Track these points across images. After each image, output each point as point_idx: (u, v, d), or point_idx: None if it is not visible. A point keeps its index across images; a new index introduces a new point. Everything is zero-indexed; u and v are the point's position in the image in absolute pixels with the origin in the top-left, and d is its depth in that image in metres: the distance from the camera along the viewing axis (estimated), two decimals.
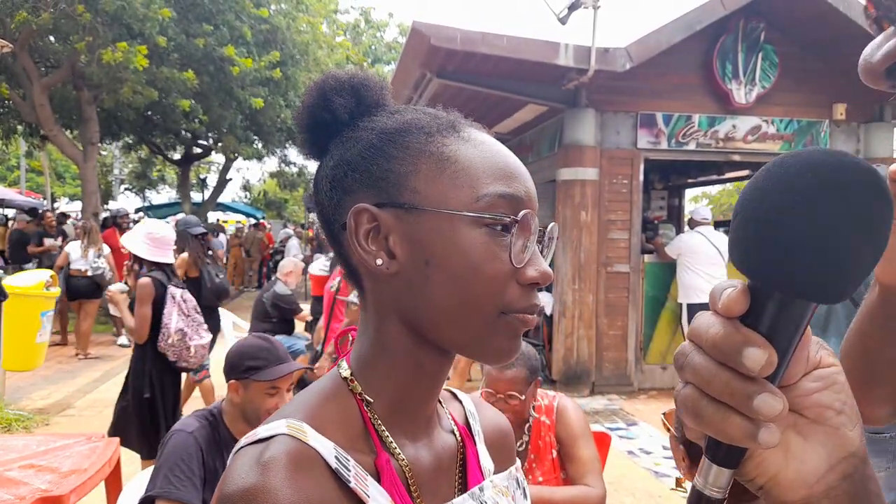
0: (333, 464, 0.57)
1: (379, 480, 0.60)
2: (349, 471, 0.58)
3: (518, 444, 1.97)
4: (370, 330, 0.65)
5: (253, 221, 21.46)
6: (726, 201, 21.03)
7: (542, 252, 0.65)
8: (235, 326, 6.53)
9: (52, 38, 11.24)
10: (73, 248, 8.12)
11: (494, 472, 0.73)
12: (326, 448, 0.58)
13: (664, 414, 1.42)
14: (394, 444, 0.63)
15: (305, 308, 6.37)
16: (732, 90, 6.44)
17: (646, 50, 5.88)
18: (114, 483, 2.91)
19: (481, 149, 0.62)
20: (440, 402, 0.73)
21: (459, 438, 0.71)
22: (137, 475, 2.32)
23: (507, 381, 1.92)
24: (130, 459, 3.13)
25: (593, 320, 6.44)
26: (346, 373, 0.65)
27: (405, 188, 0.60)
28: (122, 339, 8.74)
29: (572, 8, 5.75)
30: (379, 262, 0.61)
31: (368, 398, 0.64)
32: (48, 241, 10.24)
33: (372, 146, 0.62)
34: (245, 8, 10.92)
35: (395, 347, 0.64)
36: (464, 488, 0.69)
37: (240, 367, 1.98)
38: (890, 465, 2.32)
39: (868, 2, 0.49)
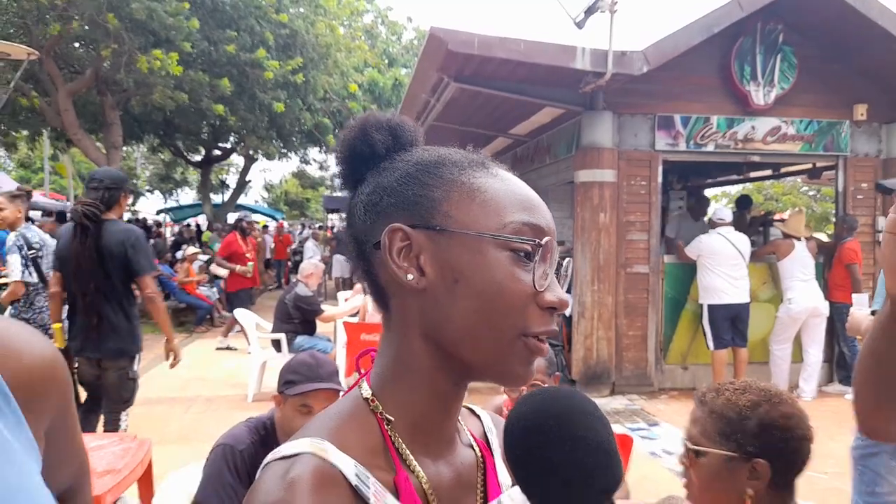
0: (354, 481, 0.61)
1: (398, 497, 0.63)
2: (368, 488, 0.61)
3: None
4: (392, 348, 0.69)
5: (261, 226, 21.46)
6: (756, 199, 20.88)
7: (561, 281, 0.70)
8: (258, 327, 6.64)
9: (76, 45, 11.48)
10: None
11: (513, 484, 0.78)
12: (347, 466, 0.61)
13: None
14: (413, 462, 0.66)
15: (327, 308, 6.46)
16: (751, 92, 6.42)
17: (663, 53, 5.89)
18: (146, 484, 3.00)
19: (508, 184, 0.68)
20: (458, 419, 0.76)
21: (479, 454, 0.75)
22: (171, 475, 2.40)
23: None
24: (160, 460, 3.23)
25: (613, 321, 6.46)
26: (367, 393, 0.69)
27: (438, 212, 0.65)
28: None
29: (589, 12, 5.77)
30: (410, 276, 0.65)
31: (389, 417, 0.67)
32: None
33: (408, 174, 0.68)
34: (266, 14, 11.07)
35: (417, 366, 0.67)
36: (486, 501, 0.72)
37: (281, 379, 2.03)
38: None
39: None
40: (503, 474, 0.76)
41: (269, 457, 0.64)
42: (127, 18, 9.21)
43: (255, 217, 25.56)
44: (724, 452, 1.25)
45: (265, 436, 1.98)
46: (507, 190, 0.67)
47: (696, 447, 1.30)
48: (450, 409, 0.70)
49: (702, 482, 1.29)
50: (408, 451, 0.67)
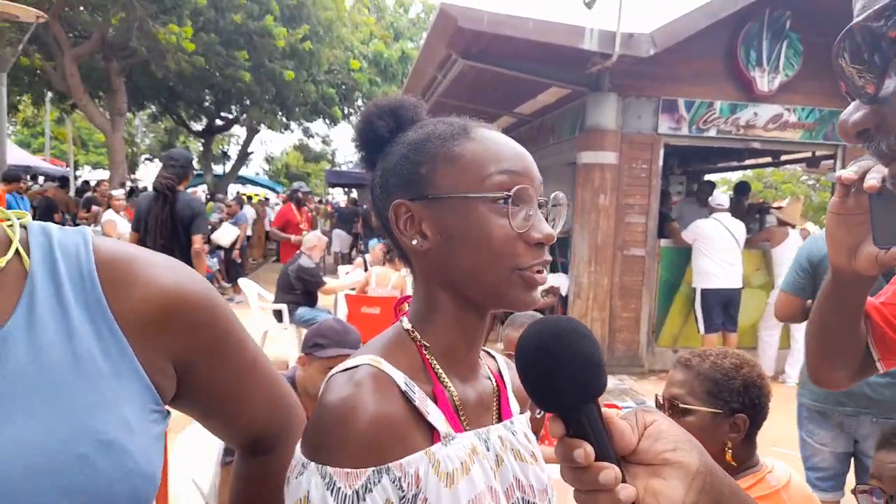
0: (403, 387, 0.75)
1: (436, 404, 0.77)
2: (414, 393, 0.75)
3: (537, 411, 2.14)
4: (421, 295, 0.83)
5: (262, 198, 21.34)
6: (755, 187, 20.96)
7: (551, 217, 0.83)
8: (260, 297, 6.74)
9: (81, 9, 11.43)
10: (119, 219, 7.92)
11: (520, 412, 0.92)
12: (398, 375, 0.76)
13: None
14: (446, 380, 0.80)
15: (329, 281, 6.56)
16: (756, 77, 6.46)
17: (670, 36, 5.92)
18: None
19: (485, 143, 0.79)
20: (480, 355, 0.90)
21: (495, 385, 0.89)
22: (179, 436, 2.46)
23: None
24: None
25: (607, 302, 6.57)
26: (407, 326, 0.83)
27: (428, 184, 0.78)
28: None
29: None
30: (415, 242, 0.79)
31: (426, 343, 0.81)
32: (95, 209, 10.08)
33: (403, 156, 0.81)
34: None
35: (441, 306, 0.81)
36: (499, 420, 0.87)
37: (309, 342, 2.13)
38: (835, 436, 2.58)
39: (840, 80, 0.57)
40: (513, 403, 0.91)
41: (333, 371, 0.79)
42: None
43: (255, 189, 25.59)
44: (711, 410, 1.42)
45: None
46: (483, 149, 0.79)
47: (685, 405, 1.45)
48: (473, 339, 0.84)
49: None
50: (441, 371, 0.81)
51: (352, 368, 0.76)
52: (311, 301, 6.38)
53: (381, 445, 0.70)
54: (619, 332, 6.69)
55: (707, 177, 10.74)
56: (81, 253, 0.70)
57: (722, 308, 6.24)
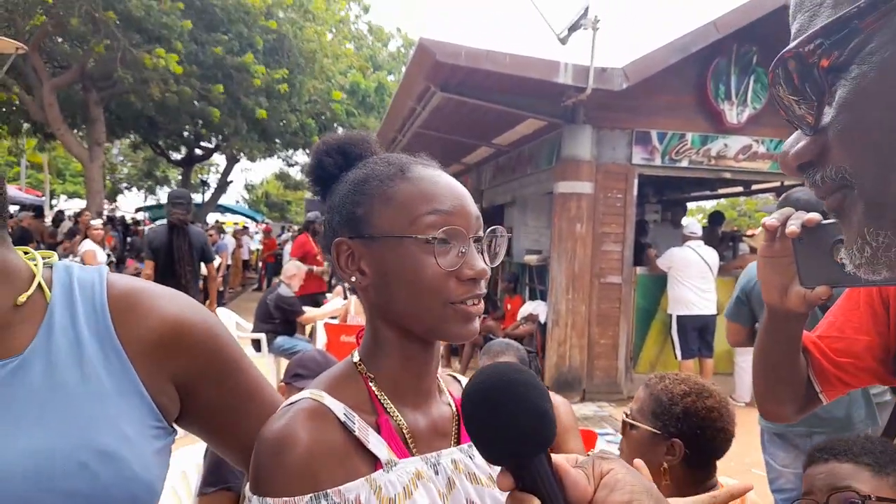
0: (342, 418, 0.77)
1: (380, 434, 0.79)
2: (354, 423, 0.77)
3: None
4: (369, 328, 0.87)
5: (240, 226, 21.11)
6: (729, 215, 21.41)
7: (493, 249, 0.87)
8: (238, 326, 6.71)
9: (60, 40, 11.46)
10: (98, 249, 7.90)
11: None
12: (337, 407, 0.78)
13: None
14: (393, 409, 0.82)
15: (307, 310, 6.55)
16: (725, 110, 6.67)
17: (642, 70, 6.11)
18: None
19: (419, 184, 0.82)
20: (441, 381, 0.93)
21: (455, 410, 0.90)
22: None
23: None
24: None
25: (586, 329, 6.64)
26: (356, 359, 0.87)
27: (365, 223, 0.82)
28: None
29: (572, 29, 5.97)
30: (354, 278, 0.83)
31: (371, 375, 0.84)
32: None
33: (344, 195, 0.85)
34: (256, 20, 11.18)
35: (386, 339, 0.84)
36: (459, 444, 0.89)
37: (290, 371, 2.17)
38: (795, 457, 2.66)
39: (781, 109, 0.56)
40: None
41: (280, 407, 0.81)
42: (122, 15, 9.28)
43: (234, 218, 25.46)
44: (650, 429, 1.48)
45: None
46: (417, 190, 0.82)
47: (631, 421, 1.53)
48: (421, 370, 0.86)
49: (630, 450, 1.51)
50: (388, 401, 0.83)
51: (293, 404, 0.79)
52: (289, 330, 6.36)
53: (317, 473, 0.73)
54: (598, 358, 6.75)
55: (681, 206, 10.97)
56: (97, 288, 0.81)
57: (698, 334, 6.34)
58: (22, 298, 0.76)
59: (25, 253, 0.82)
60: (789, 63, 0.52)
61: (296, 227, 23.32)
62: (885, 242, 0.49)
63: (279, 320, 6.27)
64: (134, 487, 0.75)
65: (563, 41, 6.12)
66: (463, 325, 0.81)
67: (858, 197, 0.50)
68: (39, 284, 0.78)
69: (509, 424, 0.56)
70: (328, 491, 0.72)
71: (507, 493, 0.57)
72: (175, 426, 0.87)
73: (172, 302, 0.85)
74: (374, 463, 0.77)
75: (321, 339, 6.45)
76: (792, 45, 0.51)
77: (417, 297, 0.80)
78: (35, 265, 0.80)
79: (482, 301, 0.84)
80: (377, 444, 0.78)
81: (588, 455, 0.61)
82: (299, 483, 0.72)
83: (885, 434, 1.22)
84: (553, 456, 0.58)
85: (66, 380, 0.74)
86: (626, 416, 1.55)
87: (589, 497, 0.55)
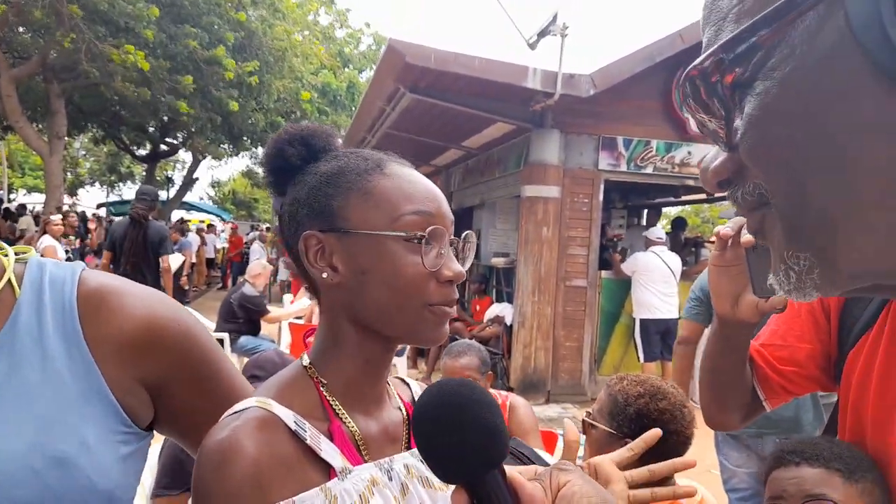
0: (293, 426, 0.73)
1: (332, 441, 0.76)
2: (305, 431, 0.74)
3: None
4: (326, 328, 0.82)
5: (206, 224, 20.75)
6: (693, 221, 21.86)
7: (461, 255, 0.84)
8: None
9: (20, 30, 11.17)
10: (58, 245, 7.65)
11: None
12: (287, 415, 0.74)
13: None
14: (345, 415, 0.79)
15: (272, 310, 6.50)
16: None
17: (609, 77, 6.20)
18: None
19: (398, 181, 0.79)
20: (391, 386, 0.90)
21: (405, 414, 0.87)
22: None
23: (461, 367, 2.20)
24: None
25: (551, 332, 6.71)
26: (307, 362, 0.82)
27: (340, 217, 0.77)
28: None
29: (541, 35, 6.04)
30: (325, 275, 0.78)
31: (323, 380, 0.80)
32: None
33: (315, 187, 0.79)
34: (226, 12, 11.04)
35: (346, 341, 0.80)
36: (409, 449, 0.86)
37: (247, 372, 2.13)
38: (748, 457, 2.73)
39: (697, 125, 0.55)
40: None
41: (224, 414, 0.76)
42: (87, 9, 9.07)
43: (200, 215, 25.06)
44: (606, 429, 1.50)
45: None
46: (397, 187, 0.78)
47: (590, 421, 1.55)
48: (377, 374, 0.84)
49: (591, 450, 1.55)
50: (340, 407, 0.80)
51: (238, 412, 0.74)
52: (253, 330, 6.30)
53: (265, 486, 0.69)
54: (563, 360, 6.83)
55: (646, 211, 11.15)
56: (67, 285, 0.77)
57: (660, 337, 6.45)
58: None
59: None
60: (696, 80, 0.51)
61: (264, 227, 23.06)
62: (806, 265, 0.49)
63: (243, 320, 6.20)
64: (89, 497, 0.71)
65: (532, 46, 6.18)
66: (437, 328, 0.79)
67: (777, 216, 0.50)
68: (9, 281, 0.74)
69: (460, 443, 0.55)
70: (282, 503, 0.70)
71: None
72: (148, 430, 0.83)
73: (144, 301, 0.81)
74: (327, 471, 0.74)
75: (286, 340, 6.41)
76: (696, 61, 0.50)
77: (395, 297, 0.76)
78: (7, 260, 0.76)
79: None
80: (330, 452, 0.75)
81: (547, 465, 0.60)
82: (246, 497, 0.68)
83: (826, 432, 1.23)
84: (509, 469, 0.57)
85: (26, 380, 0.70)
86: (587, 416, 1.58)
87: None
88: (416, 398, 0.93)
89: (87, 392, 0.74)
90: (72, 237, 8.18)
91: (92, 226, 11.81)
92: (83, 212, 20.88)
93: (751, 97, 0.47)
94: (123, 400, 0.76)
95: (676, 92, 0.54)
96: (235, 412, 0.74)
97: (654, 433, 1.06)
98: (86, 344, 0.75)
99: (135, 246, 5.80)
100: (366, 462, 0.78)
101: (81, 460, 0.70)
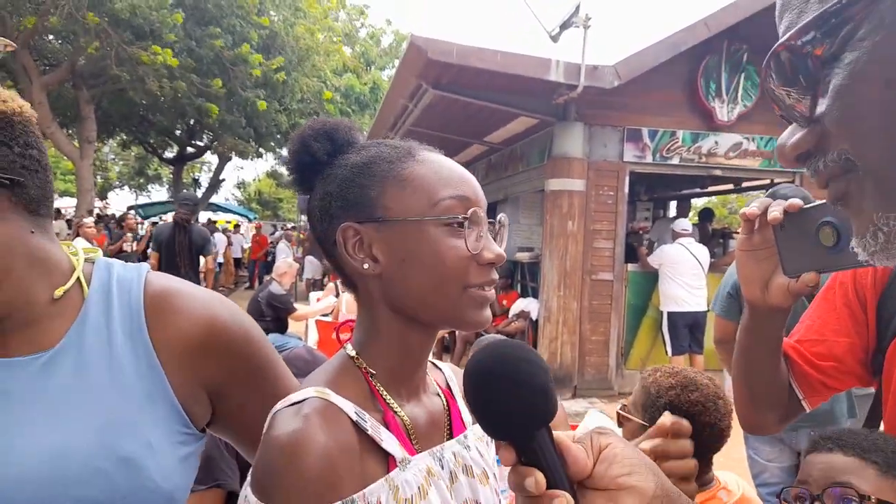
0: (354, 417, 0.73)
1: (388, 430, 0.77)
2: (366, 422, 0.74)
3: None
4: (367, 319, 0.82)
5: (232, 225, 21.00)
6: (720, 213, 21.53)
7: (496, 237, 0.83)
8: None
9: (50, 38, 11.40)
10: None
11: (473, 423, 0.92)
12: (347, 405, 0.74)
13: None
14: (395, 405, 0.79)
15: (299, 307, 6.55)
16: (715, 108, 6.70)
17: (633, 68, 6.12)
18: None
19: (433, 167, 0.79)
20: (427, 372, 0.90)
21: (444, 399, 0.89)
22: None
23: None
24: None
25: (577, 326, 6.66)
26: (352, 352, 0.82)
27: (377, 206, 0.77)
28: None
29: (564, 27, 5.98)
30: (366, 266, 0.77)
31: (371, 370, 0.80)
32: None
33: (347, 179, 0.79)
34: (248, 14, 11.15)
35: (387, 331, 0.80)
36: (451, 437, 0.87)
37: None
38: (780, 451, 2.66)
39: (773, 104, 0.56)
40: (466, 415, 0.91)
41: (278, 406, 0.75)
42: (108, 15, 9.22)
43: (227, 216, 25.38)
44: (639, 421, 1.47)
45: None
46: (432, 173, 0.78)
47: (624, 413, 1.53)
48: (419, 361, 0.84)
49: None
50: (389, 397, 0.80)
51: (298, 402, 0.73)
52: (281, 328, 6.35)
53: (338, 480, 0.68)
54: (589, 355, 6.78)
55: (673, 203, 11.01)
56: (134, 287, 0.79)
57: (688, 331, 6.37)
58: (59, 292, 0.74)
59: (70, 247, 0.80)
60: (782, 55, 0.53)
61: (290, 226, 23.28)
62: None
63: (271, 318, 6.25)
64: (152, 498, 0.72)
65: (554, 39, 6.13)
66: (478, 310, 0.78)
67: (865, 181, 0.51)
68: (78, 279, 0.75)
69: (512, 400, 0.55)
70: (354, 497, 0.69)
71: (510, 467, 0.56)
72: (202, 431, 0.83)
73: (206, 304, 0.82)
74: (385, 461, 0.74)
75: (313, 337, 6.46)
76: (784, 38, 0.52)
77: (437, 282, 0.76)
78: (77, 260, 0.78)
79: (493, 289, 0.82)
80: (390, 442, 0.75)
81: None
82: (321, 493, 0.67)
83: (866, 426, 1.19)
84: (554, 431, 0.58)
85: (94, 380, 0.72)
86: (622, 408, 1.55)
87: (589, 470, 0.55)
88: (450, 380, 0.94)
89: (152, 393, 0.75)
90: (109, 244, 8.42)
91: (131, 224, 11.73)
92: (114, 214, 21.28)
93: (839, 69, 0.49)
94: (185, 402, 0.78)
95: (764, 67, 0.56)
96: (294, 402, 0.73)
97: (666, 419, 1.02)
98: (152, 346, 0.76)
99: (182, 249, 6.38)
100: (417, 451, 0.79)
101: (147, 461, 0.71)
